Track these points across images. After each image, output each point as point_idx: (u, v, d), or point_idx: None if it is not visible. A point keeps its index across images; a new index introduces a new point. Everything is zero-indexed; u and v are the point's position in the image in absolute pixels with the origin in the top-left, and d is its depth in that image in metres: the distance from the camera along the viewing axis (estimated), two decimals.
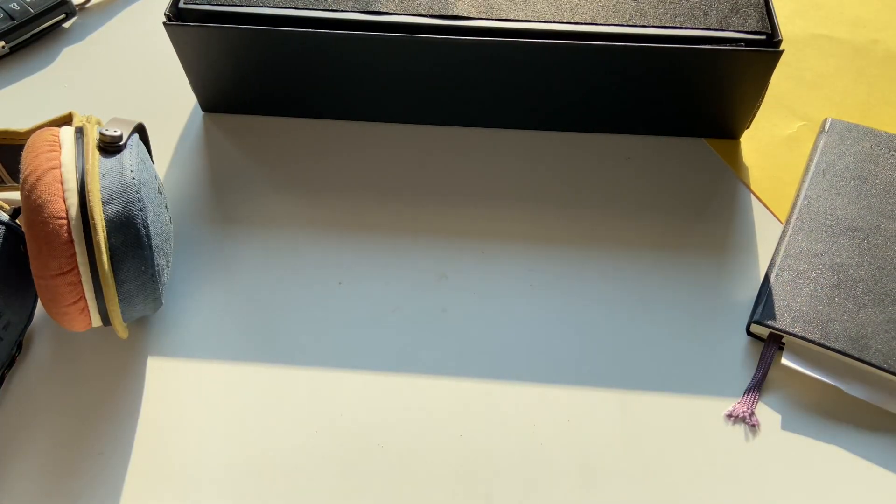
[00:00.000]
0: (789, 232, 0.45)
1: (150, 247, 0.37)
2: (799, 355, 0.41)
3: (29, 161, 0.37)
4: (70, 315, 0.37)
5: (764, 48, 0.45)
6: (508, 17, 0.47)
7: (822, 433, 0.39)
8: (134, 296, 0.38)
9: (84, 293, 0.36)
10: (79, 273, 0.36)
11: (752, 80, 0.47)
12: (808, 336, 0.40)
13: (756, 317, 0.41)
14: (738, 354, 0.42)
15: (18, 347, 0.42)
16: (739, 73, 0.47)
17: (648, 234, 0.48)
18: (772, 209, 0.49)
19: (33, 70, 0.59)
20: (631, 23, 0.46)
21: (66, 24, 0.62)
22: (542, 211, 0.49)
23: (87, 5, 0.63)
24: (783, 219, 0.48)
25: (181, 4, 0.48)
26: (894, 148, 0.48)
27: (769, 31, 0.46)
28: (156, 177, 0.41)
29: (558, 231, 0.48)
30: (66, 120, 0.46)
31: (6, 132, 0.46)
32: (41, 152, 0.37)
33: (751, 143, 0.53)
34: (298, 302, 0.45)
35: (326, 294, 0.45)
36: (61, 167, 0.37)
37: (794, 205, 0.46)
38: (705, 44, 0.46)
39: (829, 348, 0.39)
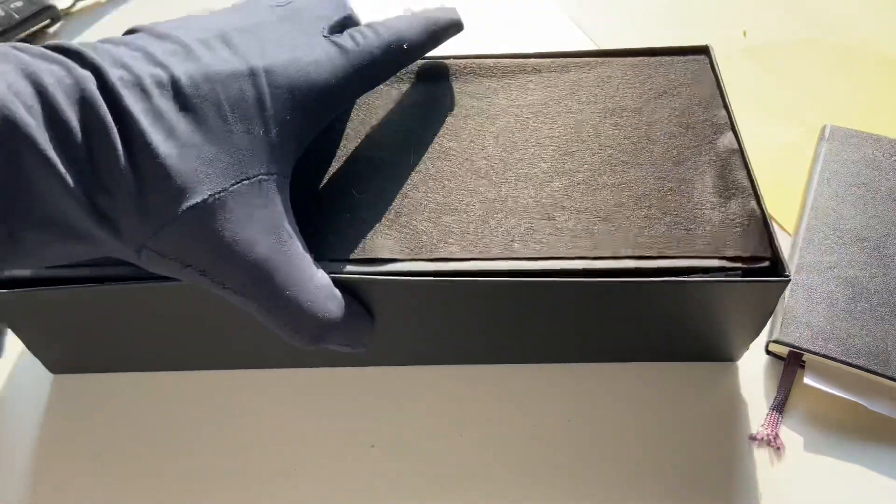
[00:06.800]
0: (800, 245, 0.44)
1: None
2: (820, 373, 0.40)
3: None
4: None
5: (768, 278, 0.36)
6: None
7: (847, 453, 0.39)
8: None
9: None
10: None
11: (754, 309, 0.38)
12: (829, 353, 0.39)
13: (774, 335, 0.41)
14: (758, 374, 0.42)
15: None
16: (737, 302, 0.38)
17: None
18: (778, 220, 0.49)
19: None
20: (594, 254, 0.37)
21: (52, 30, 0.61)
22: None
23: (72, 10, 0.61)
24: (790, 230, 0.48)
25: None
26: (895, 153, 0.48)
27: (770, 255, 0.37)
28: None
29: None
30: None
31: None
32: None
33: (752, 151, 0.52)
34: None
35: None
36: None
37: (802, 216, 0.46)
38: (692, 274, 0.36)
39: (850, 365, 0.39)
